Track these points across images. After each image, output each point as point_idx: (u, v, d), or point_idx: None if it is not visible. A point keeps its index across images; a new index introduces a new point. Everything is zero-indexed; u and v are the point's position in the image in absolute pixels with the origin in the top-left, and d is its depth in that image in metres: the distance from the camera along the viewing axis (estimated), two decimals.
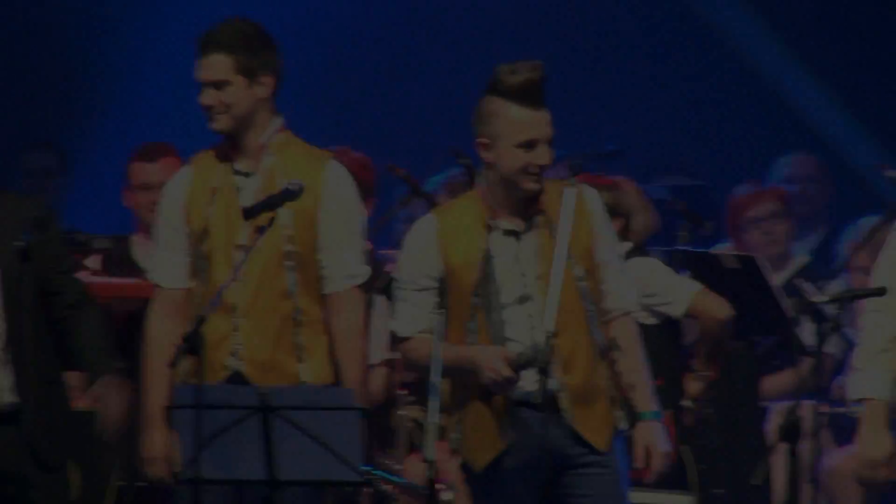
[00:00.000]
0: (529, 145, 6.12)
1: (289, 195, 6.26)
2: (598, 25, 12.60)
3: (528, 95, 6.18)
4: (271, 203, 6.24)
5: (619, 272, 6.52)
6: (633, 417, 6.52)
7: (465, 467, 6.41)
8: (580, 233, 6.32)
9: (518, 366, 6.08)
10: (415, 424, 8.17)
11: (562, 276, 6.18)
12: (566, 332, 6.23)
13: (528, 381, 6.07)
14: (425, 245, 6.48)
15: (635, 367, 6.54)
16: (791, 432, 6.47)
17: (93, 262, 8.72)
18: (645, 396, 6.47)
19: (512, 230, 6.29)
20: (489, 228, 6.27)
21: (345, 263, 6.72)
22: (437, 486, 7.21)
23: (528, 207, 6.29)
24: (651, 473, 6.43)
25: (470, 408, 6.44)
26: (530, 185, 6.19)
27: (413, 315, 6.44)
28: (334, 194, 6.72)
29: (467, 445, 6.39)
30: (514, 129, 6.23)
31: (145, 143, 9.06)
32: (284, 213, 6.49)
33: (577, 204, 6.35)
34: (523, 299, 6.30)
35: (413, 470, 7.79)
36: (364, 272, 6.70)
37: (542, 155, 6.11)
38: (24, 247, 6.57)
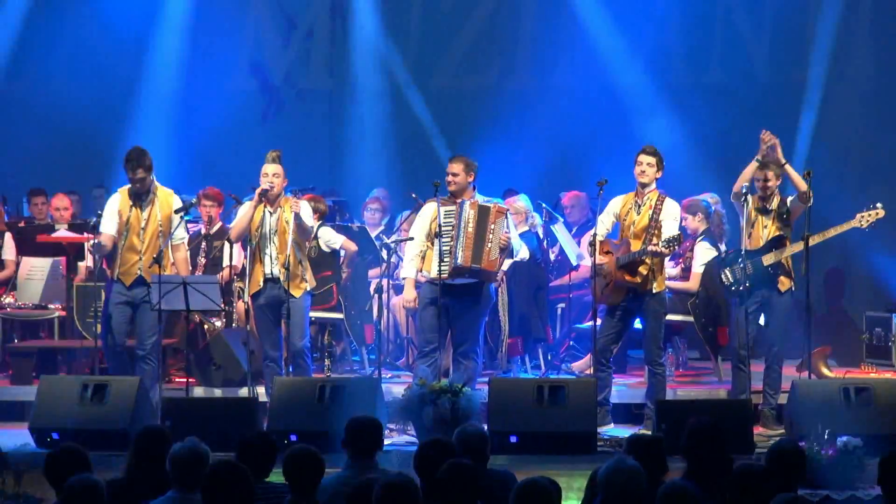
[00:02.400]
0: None
1: (188, 205, 10.06)
2: None
3: None
4: (183, 208, 9.87)
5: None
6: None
7: (251, 294, 9.95)
8: (293, 218, 9.78)
9: None
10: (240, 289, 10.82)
11: (287, 230, 9.72)
12: (283, 252, 9.78)
13: (269, 269, 9.82)
14: (247, 208, 9.89)
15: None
16: (379, 290, 10.54)
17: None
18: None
19: (272, 212, 9.79)
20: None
21: (181, 233, 10.09)
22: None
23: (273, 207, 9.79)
24: None
25: (252, 274, 9.86)
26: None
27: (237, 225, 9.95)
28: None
29: (248, 287, 9.91)
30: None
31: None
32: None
33: (289, 205, 9.74)
34: (271, 234, 9.74)
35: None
36: (185, 237, 10.16)
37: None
38: None
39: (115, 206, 9.91)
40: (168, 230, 9.89)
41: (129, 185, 9.91)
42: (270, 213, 9.92)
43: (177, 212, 9.85)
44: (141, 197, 9.84)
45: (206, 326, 10.03)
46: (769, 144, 9.76)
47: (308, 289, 10.06)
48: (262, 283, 9.88)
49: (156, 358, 9.85)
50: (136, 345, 9.91)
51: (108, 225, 9.90)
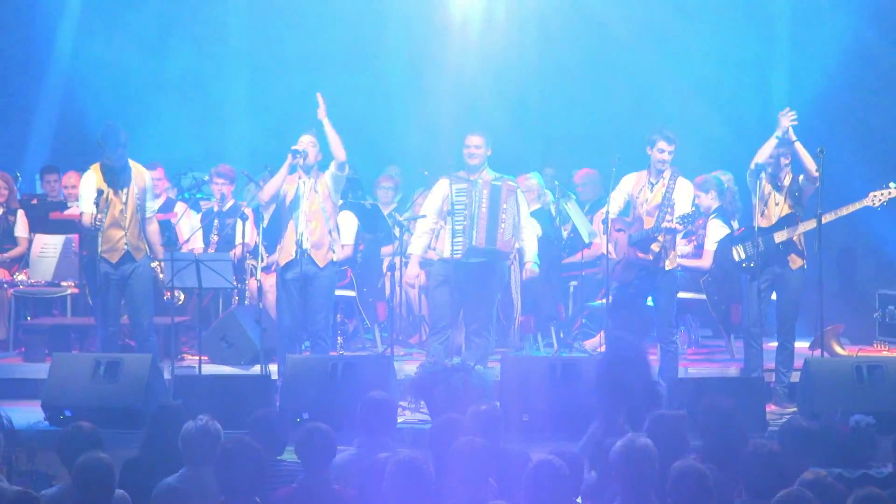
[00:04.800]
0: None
1: (198, 184, 10.44)
2: None
3: None
4: (195, 185, 10.20)
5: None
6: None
7: (278, 268, 9.99)
8: (321, 187, 9.79)
9: None
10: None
11: (315, 199, 9.74)
12: (314, 221, 9.80)
13: (301, 241, 9.61)
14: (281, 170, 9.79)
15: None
16: (391, 267, 10.24)
17: None
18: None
19: (305, 182, 9.72)
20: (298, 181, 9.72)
21: (152, 206, 9.91)
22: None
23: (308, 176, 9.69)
24: None
25: (284, 245, 9.82)
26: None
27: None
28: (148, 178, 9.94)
29: (279, 259, 9.92)
30: None
31: None
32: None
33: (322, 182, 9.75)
34: (303, 206, 9.60)
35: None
36: (155, 210, 9.92)
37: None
38: None
39: (93, 184, 9.71)
40: (143, 204, 9.81)
41: (100, 163, 9.75)
42: (304, 185, 9.80)
43: (188, 189, 9.86)
44: (118, 172, 9.69)
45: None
46: (791, 119, 9.63)
47: (334, 259, 9.91)
48: (293, 255, 9.73)
49: (153, 334, 9.79)
50: (131, 325, 9.85)
51: (89, 204, 9.71)
